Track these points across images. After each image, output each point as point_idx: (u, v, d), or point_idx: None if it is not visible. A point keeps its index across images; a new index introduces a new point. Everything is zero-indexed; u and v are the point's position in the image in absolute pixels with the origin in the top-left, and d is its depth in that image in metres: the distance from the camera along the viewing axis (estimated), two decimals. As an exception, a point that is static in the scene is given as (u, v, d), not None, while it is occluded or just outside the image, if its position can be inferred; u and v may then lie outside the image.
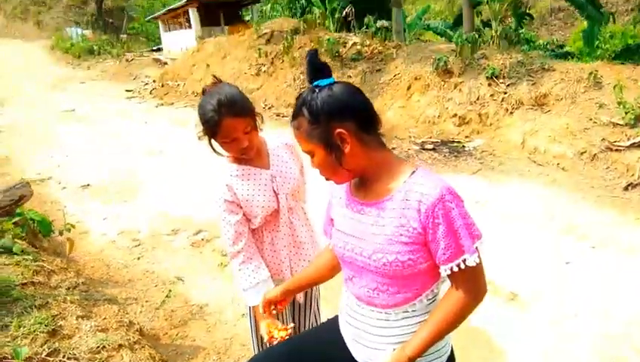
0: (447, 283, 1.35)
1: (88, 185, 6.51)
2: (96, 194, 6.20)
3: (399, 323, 1.38)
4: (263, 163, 1.94)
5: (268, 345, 1.70)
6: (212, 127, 1.78)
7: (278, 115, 10.07)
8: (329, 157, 1.30)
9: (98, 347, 2.45)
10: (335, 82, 1.30)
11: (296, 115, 1.32)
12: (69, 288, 3.01)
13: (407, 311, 1.37)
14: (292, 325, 1.80)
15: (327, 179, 1.39)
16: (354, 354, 1.49)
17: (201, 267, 4.19)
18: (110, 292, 3.58)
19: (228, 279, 3.94)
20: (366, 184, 1.37)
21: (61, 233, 4.05)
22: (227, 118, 1.75)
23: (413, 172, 1.31)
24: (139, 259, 4.40)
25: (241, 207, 1.88)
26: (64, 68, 22.07)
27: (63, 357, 2.34)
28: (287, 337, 1.69)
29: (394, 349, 1.36)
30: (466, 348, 2.86)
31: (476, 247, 1.26)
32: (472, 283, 1.30)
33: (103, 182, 6.60)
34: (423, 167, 1.35)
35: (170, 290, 3.75)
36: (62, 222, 4.26)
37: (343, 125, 1.26)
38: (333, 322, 1.63)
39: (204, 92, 1.86)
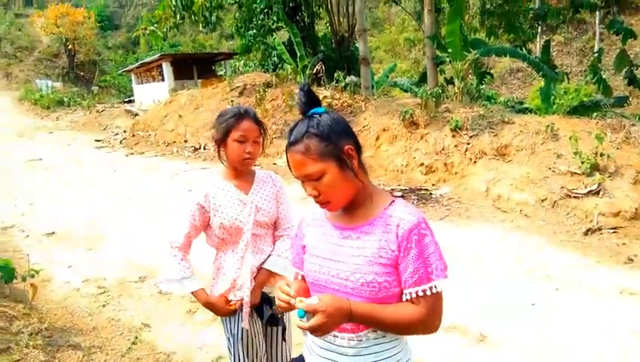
0: None
1: (53, 232, 6.35)
2: (61, 242, 6.04)
3: (371, 349, 1.39)
4: (245, 188, 2.11)
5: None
6: (231, 124, 2.01)
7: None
8: (341, 173, 1.37)
9: (60, 393, 2.36)
10: (327, 111, 1.42)
11: (300, 139, 1.36)
12: (31, 334, 2.90)
13: (378, 336, 1.39)
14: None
15: (323, 205, 1.41)
16: None
17: (169, 314, 4.10)
18: (74, 340, 3.45)
19: (197, 326, 3.86)
20: (349, 209, 1.44)
21: (24, 279, 3.92)
22: (246, 119, 2.03)
23: (393, 201, 1.42)
24: (104, 306, 4.27)
25: (207, 215, 2.08)
26: (32, 118, 21.86)
27: (23, 403, 2.24)
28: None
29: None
30: (438, 388, 2.86)
31: (442, 276, 1.34)
32: (434, 310, 1.36)
33: (69, 229, 6.45)
34: (400, 199, 1.45)
35: (136, 337, 3.64)
36: (24, 270, 4.13)
37: (349, 143, 1.39)
38: (298, 359, 1.60)
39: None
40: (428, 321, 1.36)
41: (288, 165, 1.41)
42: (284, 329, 2.17)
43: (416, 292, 1.32)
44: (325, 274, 1.42)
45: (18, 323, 3.02)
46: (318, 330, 1.26)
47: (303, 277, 1.56)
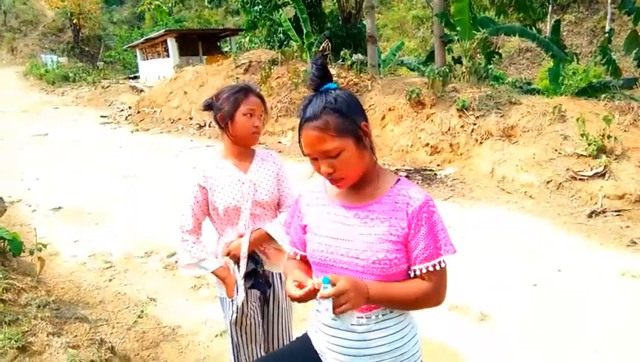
0: None
1: (60, 207, 6.41)
2: (67, 216, 6.10)
3: (380, 325, 1.41)
4: (244, 167, 2.11)
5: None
6: (240, 98, 2.04)
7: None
8: (358, 150, 1.37)
9: (69, 363, 2.41)
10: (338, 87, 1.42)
11: (318, 115, 1.34)
12: (39, 306, 2.95)
13: (386, 312, 1.42)
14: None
15: (336, 181, 1.40)
16: None
17: (174, 289, 4.16)
18: (81, 313, 3.51)
19: (201, 301, 3.92)
20: (356, 188, 1.44)
21: (31, 253, 3.97)
22: (253, 95, 2.08)
23: (399, 180, 1.44)
24: (110, 281, 4.34)
25: (206, 194, 2.09)
26: (37, 94, 21.83)
27: (33, 373, 2.30)
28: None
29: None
30: (438, 365, 2.91)
31: (451, 251, 1.38)
32: (440, 284, 1.40)
33: (75, 205, 6.51)
34: (404, 178, 1.46)
35: (142, 311, 3.70)
36: (31, 244, 4.18)
37: (364, 120, 1.40)
38: (305, 339, 1.60)
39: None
40: (436, 295, 1.40)
41: (300, 142, 1.38)
42: (271, 289, 2.17)
43: (427, 268, 1.37)
44: (334, 254, 1.41)
45: (26, 296, 3.07)
46: (339, 307, 1.26)
47: (302, 258, 1.56)
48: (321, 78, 1.39)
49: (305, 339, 1.60)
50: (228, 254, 2.07)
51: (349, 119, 1.35)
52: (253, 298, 2.12)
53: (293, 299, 1.32)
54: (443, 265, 1.37)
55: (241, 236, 2.05)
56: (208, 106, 2.14)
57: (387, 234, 1.36)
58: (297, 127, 1.41)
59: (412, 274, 1.40)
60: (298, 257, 1.57)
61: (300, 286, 1.33)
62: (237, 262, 2.06)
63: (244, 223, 2.07)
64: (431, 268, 1.36)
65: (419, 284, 1.38)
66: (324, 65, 1.41)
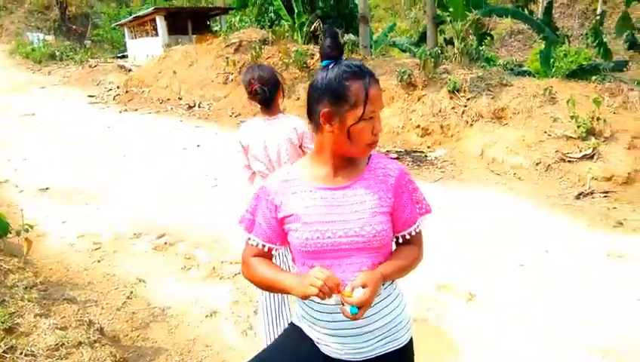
0: None
1: (47, 188, 6.34)
2: (55, 197, 6.04)
3: (377, 299, 1.40)
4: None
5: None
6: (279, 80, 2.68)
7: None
8: None
9: (57, 344, 2.41)
10: None
11: (375, 77, 1.41)
12: (26, 287, 2.94)
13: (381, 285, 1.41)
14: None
15: (375, 145, 1.42)
16: (328, 352, 1.48)
17: (164, 270, 4.15)
18: (69, 294, 3.50)
19: (191, 282, 3.92)
20: (336, 168, 1.44)
21: (18, 233, 3.93)
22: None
23: (370, 156, 1.48)
24: (99, 261, 4.31)
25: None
26: (24, 72, 21.42)
27: (20, 354, 2.29)
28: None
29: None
30: (426, 343, 2.94)
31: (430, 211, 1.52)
32: (422, 243, 1.53)
33: (63, 185, 6.44)
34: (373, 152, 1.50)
35: (131, 292, 3.70)
36: (18, 225, 4.13)
37: None
38: (295, 330, 1.58)
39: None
40: (422, 253, 1.52)
41: (365, 100, 1.35)
42: None
43: (415, 230, 1.47)
44: (332, 238, 1.39)
45: (13, 277, 3.05)
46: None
47: (270, 250, 1.51)
48: (340, 49, 1.42)
49: (295, 330, 1.57)
50: None
51: None
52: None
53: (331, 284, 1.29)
54: (422, 225, 1.50)
55: None
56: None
57: (379, 206, 1.40)
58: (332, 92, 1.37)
59: (401, 240, 1.48)
60: (271, 250, 1.52)
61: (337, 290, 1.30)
62: None
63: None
64: (418, 230, 1.48)
65: (410, 248, 1.48)
66: (337, 35, 1.46)
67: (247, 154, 2.75)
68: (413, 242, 1.49)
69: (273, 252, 1.53)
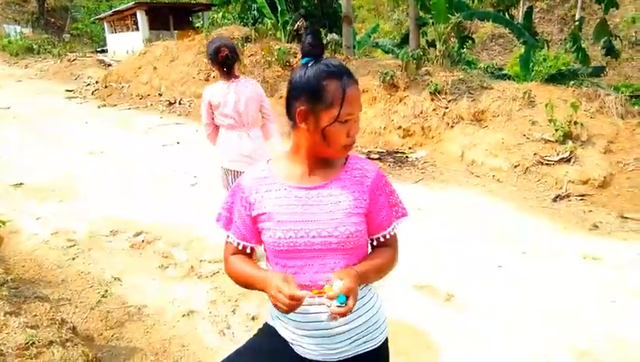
0: None
1: (21, 183, 6.18)
2: (29, 193, 5.89)
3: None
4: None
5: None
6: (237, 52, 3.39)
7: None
8: None
9: (27, 343, 2.34)
10: None
11: (354, 78, 1.38)
12: (-4, 284, 2.85)
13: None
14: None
15: (350, 148, 1.41)
16: (302, 353, 1.46)
17: (141, 268, 4.07)
18: (42, 292, 3.41)
19: (168, 281, 3.86)
20: (312, 168, 1.43)
21: (-11, 230, 3.83)
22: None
23: (347, 156, 1.47)
24: (74, 259, 4.22)
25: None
26: (0, 65, 20.91)
27: (-12, 353, 2.22)
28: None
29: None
30: (403, 344, 2.95)
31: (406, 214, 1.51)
32: (397, 245, 1.52)
33: (37, 181, 6.28)
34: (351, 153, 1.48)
35: (106, 290, 3.62)
36: (-10, 220, 4.02)
37: None
38: (269, 330, 1.56)
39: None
40: (397, 256, 1.50)
41: (342, 101, 1.32)
42: None
43: (390, 233, 1.46)
44: (304, 238, 1.38)
45: (-17, 274, 2.96)
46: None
47: (252, 250, 1.50)
48: (321, 48, 1.40)
49: (269, 330, 1.55)
50: None
51: None
52: None
53: (295, 302, 1.25)
54: (397, 227, 1.49)
55: None
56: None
57: (354, 207, 1.39)
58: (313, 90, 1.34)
59: (375, 243, 1.47)
60: (247, 248, 1.50)
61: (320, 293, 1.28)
62: None
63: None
64: (393, 233, 1.47)
65: (386, 250, 1.47)
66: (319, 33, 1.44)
67: (213, 112, 3.43)
68: (388, 245, 1.48)
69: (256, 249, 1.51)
